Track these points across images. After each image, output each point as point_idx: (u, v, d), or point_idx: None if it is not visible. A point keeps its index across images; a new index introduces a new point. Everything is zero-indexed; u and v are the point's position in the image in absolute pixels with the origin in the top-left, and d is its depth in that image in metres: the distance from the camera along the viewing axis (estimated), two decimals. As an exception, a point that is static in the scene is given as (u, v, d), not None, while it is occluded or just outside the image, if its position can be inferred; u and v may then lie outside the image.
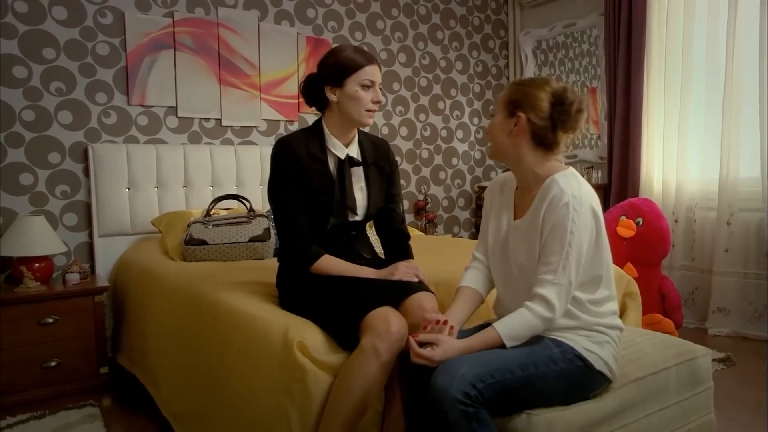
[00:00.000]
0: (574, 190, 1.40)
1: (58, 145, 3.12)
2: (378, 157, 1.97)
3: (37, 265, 2.79)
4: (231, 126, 3.68)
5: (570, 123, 1.45)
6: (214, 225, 2.83)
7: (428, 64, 4.59)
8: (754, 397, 2.46)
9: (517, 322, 1.40)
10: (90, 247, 3.21)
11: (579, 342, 1.44)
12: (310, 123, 1.99)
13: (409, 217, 4.46)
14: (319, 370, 1.56)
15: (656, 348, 1.71)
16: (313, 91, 1.87)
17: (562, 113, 1.44)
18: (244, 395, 1.73)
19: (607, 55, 4.12)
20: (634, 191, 3.89)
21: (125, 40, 3.28)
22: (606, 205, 3.95)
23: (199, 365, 2.02)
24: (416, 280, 1.79)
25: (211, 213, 2.96)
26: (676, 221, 3.72)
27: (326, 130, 1.87)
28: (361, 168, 1.91)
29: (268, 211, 3.05)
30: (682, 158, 3.71)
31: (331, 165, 1.87)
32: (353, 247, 1.93)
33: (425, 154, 4.61)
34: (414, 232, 3.65)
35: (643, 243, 3.18)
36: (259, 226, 2.83)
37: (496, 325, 1.41)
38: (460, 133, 4.80)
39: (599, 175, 4.31)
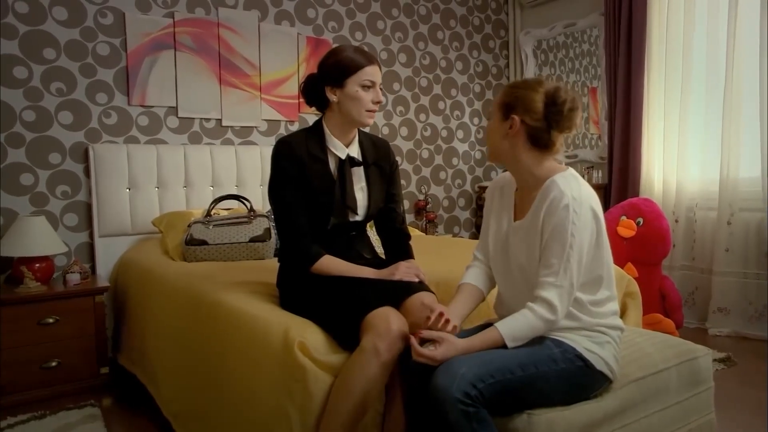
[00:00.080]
0: (574, 191, 1.40)
1: (58, 145, 3.12)
2: (378, 157, 1.97)
3: (37, 265, 2.79)
4: (231, 126, 3.68)
5: (564, 122, 1.45)
6: (214, 225, 2.84)
7: (428, 64, 4.59)
8: (754, 397, 2.46)
9: (520, 323, 1.40)
10: (90, 247, 3.21)
11: (580, 342, 1.44)
12: (311, 123, 1.99)
13: (409, 217, 4.46)
14: (320, 370, 1.56)
15: (657, 348, 1.71)
16: (314, 91, 1.87)
17: (555, 113, 1.44)
18: (245, 395, 1.73)
19: (607, 55, 4.12)
20: (635, 191, 3.89)
21: (126, 40, 3.28)
22: (606, 205, 3.95)
23: (199, 365, 2.02)
24: (417, 280, 1.79)
25: (212, 213, 2.96)
26: (676, 221, 3.72)
27: (327, 131, 1.87)
28: (361, 168, 1.91)
29: (268, 212, 3.05)
30: (682, 158, 3.71)
31: (332, 165, 1.87)
32: (354, 247, 1.93)
33: (426, 154, 4.61)
34: (414, 232, 3.66)
35: (644, 243, 3.18)
36: (259, 227, 2.84)
37: (498, 325, 1.41)
38: (460, 133, 4.80)
39: (599, 175, 4.31)
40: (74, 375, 2.73)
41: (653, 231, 3.18)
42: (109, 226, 3.18)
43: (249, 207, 2.98)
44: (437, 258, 2.52)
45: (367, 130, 2.03)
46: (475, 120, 4.89)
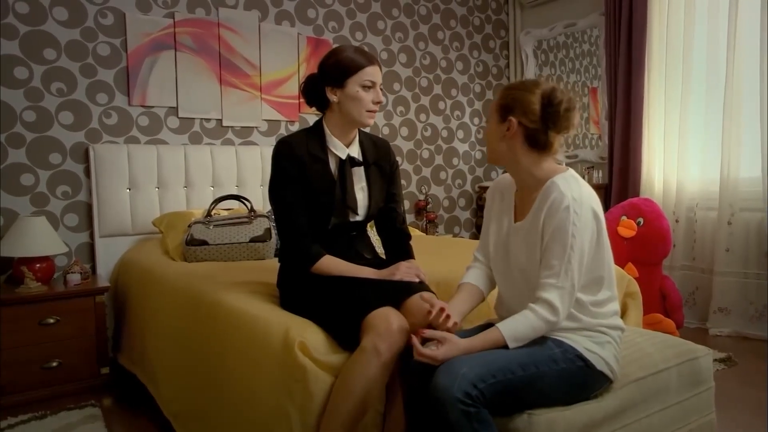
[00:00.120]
0: (574, 192, 1.40)
1: (59, 145, 3.12)
2: (379, 157, 1.97)
3: (38, 265, 2.79)
4: (232, 126, 3.68)
5: (561, 123, 1.45)
6: (215, 225, 2.84)
7: (429, 64, 4.59)
8: (755, 397, 2.46)
9: (521, 324, 1.40)
10: (91, 247, 3.21)
11: (580, 342, 1.44)
12: (311, 123, 1.99)
13: (409, 218, 4.46)
14: (320, 370, 1.56)
15: (657, 348, 1.71)
16: (314, 91, 1.87)
17: (552, 114, 1.44)
18: (245, 395, 1.73)
19: (607, 55, 4.12)
20: (635, 191, 3.89)
21: (126, 40, 3.28)
22: (607, 205, 3.95)
23: (199, 365, 2.03)
24: (417, 280, 1.79)
25: (212, 213, 2.97)
26: (676, 221, 3.72)
27: (327, 131, 1.87)
28: (362, 168, 1.91)
29: (268, 212, 3.05)
30: (682, 158, 3.71)
31: (332, 165, 1.87)
32: (354, 247, 1.93)
33: (426, 155, 4.61)
34: (415, 233, 3.66)
35: (644, 243, 3.18)
36: (259, 227, 2.84)
37: (499, 325, 1.41)
38: (460, 134, 4.80)
39: (600, 175, 4.31)
40: (75, 375, 2.73)
41: (654, 231, 3.18)
42: (109, 226, 3.18)
43: (249, 207, 2.98)
44: (437, 258, 2.52)
45: (367, 130, 2.03)
46: (476, 120, 4.89)
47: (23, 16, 3.00)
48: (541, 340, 1.43)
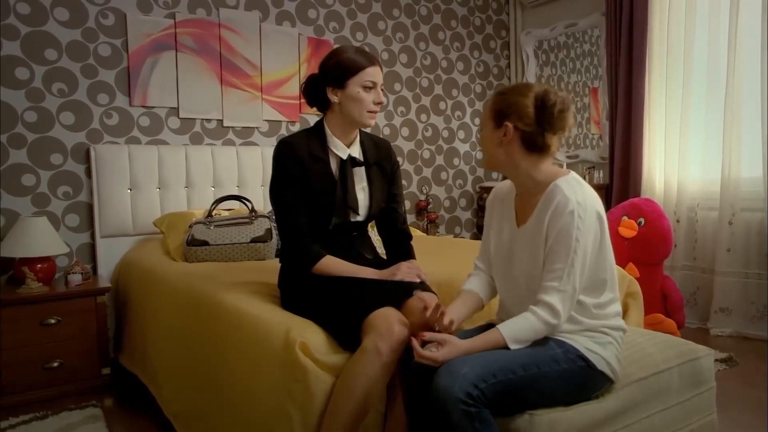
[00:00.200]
0: (578, 196, 1.40)
1: (60, 146, 3.13)
2: (380, 157, 1.97)
3: (39, 265, 2.79)
4: (232, 127, 3.68)
5: (556, 124, 1.45)
6: (215, 226, 2.84)
7: (429, 64, 4.59)
8: (756, 397, 2.45)
9: (522, 326, 1.40)
10: (92, 247, 3.21)
11: (582, 342, 1.44)
12: (312, 124, 1.99)
13: (410, 218, 4.46)
14: (321, 370, 1.56)
15: (658, 348, 1.71)
16: (315, 91, 1.87)
17: (547, 116, 1.44)
18: (246, 395, 1.73)
19: (608, 55, 4.12)
20: (636, 191, 3.89)
21: (127, 41, 3.28)
22: (608, 206, 3.95)
23: (200, 365, 2.03)
24: (418, 280, 1.79)
25: (213, 214, 2.97)
26: (677, 221, 3.71)
27: (328, 131, 1.87)
28: (363, 168, 1.91)
29: (269, 212, 3.06)
30: (683, 158, 3.71)
31: (333, 165, 1.87)
32: (355, 248, 1.93)
33: (427, 155, 4.61)
34: (415, 233, 3.66)
35: (645, 243, 3.18)
36: (260, 227, 2.84)
37: (500, 327, 1.41)
38: (461, 134, 4.80)
39: (601, 175, 4.31)
40: (76, 375, 2.74)
41: (654, 231, 3.18)
42: (110, 226, 3.18)
43: (250, 207, 2.99)
44: (438, 258, 2.52)
45: (368, 130, 2.03)
46: (477, 120, 4.89)
47: (24, 16, 3.01)
48: (542, 341, 1.43)
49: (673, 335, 1.90)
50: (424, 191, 4.58)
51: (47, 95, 3.08)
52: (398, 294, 1.71)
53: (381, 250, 2.12)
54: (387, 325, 1.54)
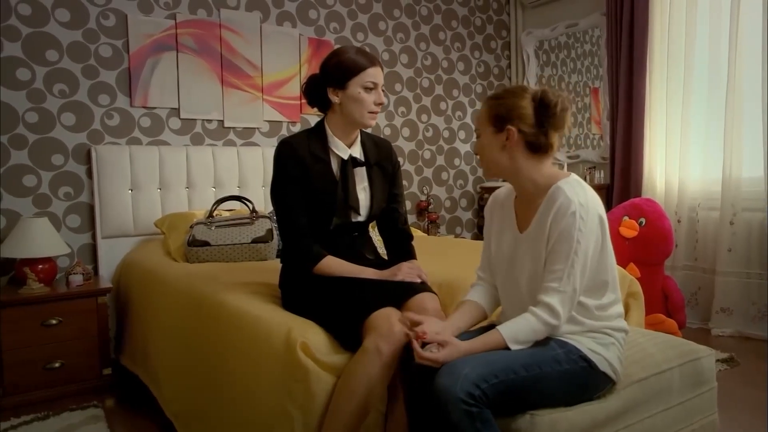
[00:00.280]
0: (581, 197, 1.40)
1: (61, 146, 3.13)
2: (380, 158, 1.97)
3: (40, 266, 2.79)
4: (233, 127, 3.68)
5: (558, 123, 1.45)
6: (216, 226, 2.84)
7: (430, 64, 4.59)
8: (757, 397, 2.45)
9: (522, 326, 1.40)
10: (93, 248, 3.22)
11: (584, 343, 1.44)
12: (313, 124, 1.99)
13: (411, 218, 4.46)
14: (322, 370, 1.56)
15: (659, 348, 1.71)
16: (316, 92, 1.87)
17: (549, 115, 1.44)
18: (247, 396, 1.73)
19: (609, 55, 4.12)
20: (637, 191, 3.89)
21: (128, 42, 3.29)
22: (609, 206, 3.95)
23: (201, 366, 2.03)
24: (419, 280, 1.79)
25: (214, 214, 2.97)
26: (678, 221, 3.71)
27: (329, 131, 1.87)
28: (364, 168, 1.92)
29: (270, 213, 3.06)
30: (684, 158, 3.71)
31: (334, 165, 1.87)
32: (356, 248, 1.93)
33: (427, 155, 4.61)
34: (416, 233, 3.65)
35: (646, 243, 3.18)
36: (261, 227, 2.84)
37: (500, 327, 1.41)
38: (462, 134, 4.80)
39: (602, 175, 4.30)
40: (77, 376, 2.74)
41: (656, 231, 3.18)
42: (111, 227, 3.18)
43: (251, 208, 2.99)
44: (439, 259, 2.52)
45: (369, 130, 2.03)
46: (477, 120, 4.88)
47: (25, 17, 3.01)
48: (544, 341, 1.43)
49: (674, 335, 1.90)
50: (425, 191, 4.58)
51: (48, 96, 3.09)
52: (399, 294, 1.71)
53: (382, 250, 2.12)
54: (388, 325, 1.54)
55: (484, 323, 1.67)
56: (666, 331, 2.63)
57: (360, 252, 1.94)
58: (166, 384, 2.29)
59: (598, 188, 3.92)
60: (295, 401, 1.54)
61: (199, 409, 2.01)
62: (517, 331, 1.40)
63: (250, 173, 3.61)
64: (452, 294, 1.94)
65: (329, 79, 1.81)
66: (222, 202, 3.03)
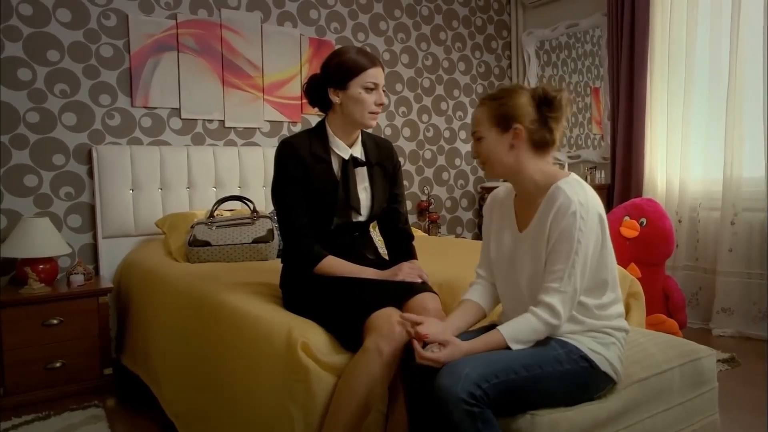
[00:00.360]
0: (581, 197, 1.40)
1: (62, 146, 3.13)
2: (381, 158, 1.97)
3: (41, 266, 2.79)
4: (234, 127, 3.69)
5: (561, 116, 1.47)
6: (217, 226, 2.84)
7: (431, 64, 4.59)
8: (757, 397, 2.45)
9: (522, 326, 1.40)
10: (94, 248, 3.22)
11: (585, 343, 1.44)
12: (313, 124, 1.99)
13: (412, 218, 4.46)
14: (323, 370, 1.56)
15: (660, 348, 1.71)
16: (317, 92, 1.87)
17: (552, 110, 1.46)
18: (247, 396, 1.73)
19: (609, 55, 4.12)
20: (638, 191, 3.89)
21: (129, 42, 3.29)
22: (609, 206, 3.95)
23: (202, 366, 2.03)
24: (420, 280, 1.79)
25: (215, 214, 2.97)
26: (679, 221, 3.71)
27: (329, 131, 1.87)
28: (364, 168, 1.92)
29: (271, 212, 3.06)
30: (685, 158, 3.70)
31: (335, 165, 1.87)
32: (357, 248, 1.93)
33: (428, 155, 4.61)
34: (417, 233, 3.65)
35: (647, 243, 3.18)
36: (262, 227, 2.84)
37: (500, 327, 1.41)
38: (462, 134, 4.80)
39: (602, 175, 4.30)
40: (78, 376, 2.74)
41: (656, 231, 3.18)
42: (112, 227, 3.19)
43: (252, 208, 2.99)
44: (440, 259, 2.52)
45: (369, 130, 2.03)
46: (478, 120, 4.88)
47: (27, 17, 3.01)
48: (545, 341, 1.43)
49: (674, 335, 1.90)
50: (426, 191, 4.58)
51: (49, 96, 3.09)
52: (400, 294, 1.71)
53: (383, 250, 2.12)
54: (389, 325, 1.54)
55: (485, 323, 1.67)
56: (667, 331, 2.63)
57: (361, 252, 1.94)
58: (166, 384, 2.29)
59: (598, 188, 3.91)
60: (295, 401, 1.54)
61: (199, 409, 2.02)
62: (518, 330, 1.40)
63: (251, 173, 3.61)
64: (453, 294, 1.94)
65: (330, 79, 1.81)
66: (223, 202, 3.04)
